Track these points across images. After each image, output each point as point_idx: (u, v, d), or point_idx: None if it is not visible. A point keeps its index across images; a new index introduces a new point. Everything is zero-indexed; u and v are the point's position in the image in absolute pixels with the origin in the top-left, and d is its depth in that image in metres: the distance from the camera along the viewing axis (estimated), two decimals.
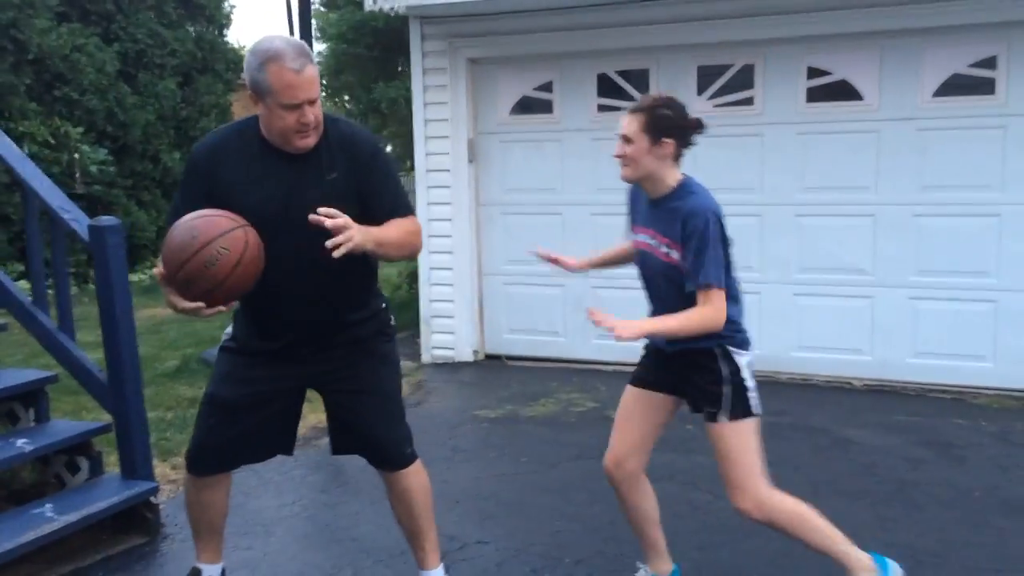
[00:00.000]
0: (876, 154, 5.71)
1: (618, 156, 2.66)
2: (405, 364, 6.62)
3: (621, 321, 2.46)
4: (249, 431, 2.69)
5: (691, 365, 2.69)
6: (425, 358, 6.81)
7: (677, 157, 2.67)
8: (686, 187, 2.67)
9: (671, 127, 2.61)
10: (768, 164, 5.97)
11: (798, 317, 6.00)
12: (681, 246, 2.58)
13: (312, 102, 2.41)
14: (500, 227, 6.70)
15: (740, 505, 2.66)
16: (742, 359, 2.68)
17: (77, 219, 3.45)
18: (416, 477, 2.79)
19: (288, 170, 2.51)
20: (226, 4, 14.14)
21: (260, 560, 3.40)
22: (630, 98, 6.27)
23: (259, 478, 4.25)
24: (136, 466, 3.52)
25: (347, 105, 23.01)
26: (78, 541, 3.42)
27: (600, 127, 6.35)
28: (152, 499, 3.55)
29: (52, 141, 10.50)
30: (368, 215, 2.49)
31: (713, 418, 2.66)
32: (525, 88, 6.56)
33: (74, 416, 4.34)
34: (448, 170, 6.61)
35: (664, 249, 2.65)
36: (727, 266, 2.63)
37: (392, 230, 2.52)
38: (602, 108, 6.36)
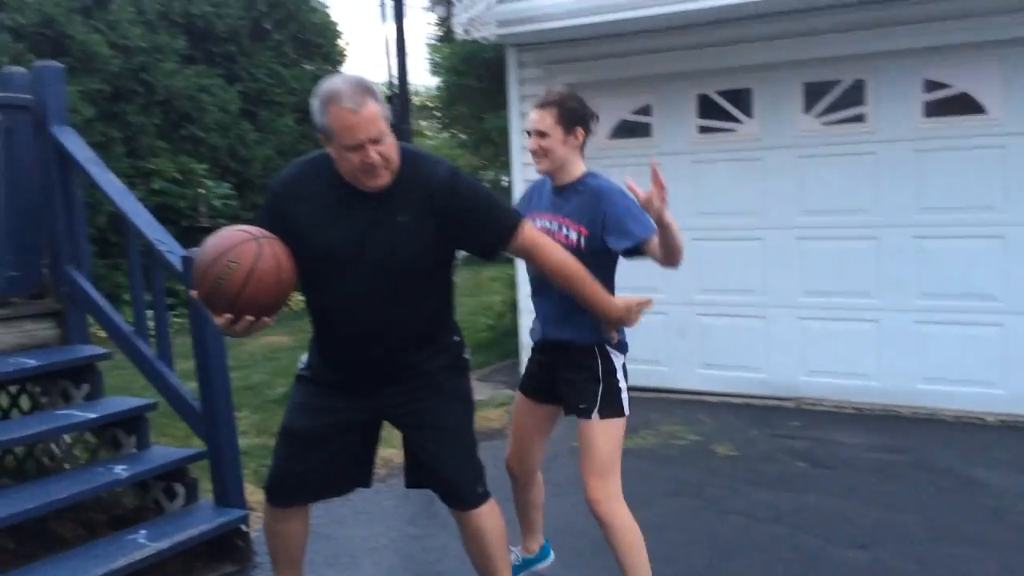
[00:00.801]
0: (1002, 170, 5.31)
1: (533, 150, 2.84)
2: (504, 393, 6.58)
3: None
4: (325, 463, 2.65)
5: (570, 364, 2.82)
6: None
7: (583, 147, 2.91)
8: (592, 174, 2.89)
9: (580, 117, 2.85)
10: (883, 183, 5.64)
11: (920, 346, 5.62)
12: (588, 226, 2.76)
13: (375, 141, 2.33)
14: None
15: (590, 494, 2.81)
16: (618, 360, 2.86)
17: (172, 250, 3.55)
18: (489, 519, 2.69)
19: (361, 209, 2.45)
20: (340, 42, 14.62)
21: None
22: (732, 119, 6.08)
23: (351, 507, 4.25)
24: (228, 493, 3.57)
25: (462, 135, 23.50)
26: (172, 567, 3.48)
27: (702, 149, 6.17)
28: (243, 527, 3.58)
29: (179, 177, 11.04)
30: (477, 248, 2.55)
31: (585, 414, 2.79)
32: (623, 112, 6.45)
33: (174, 442, 4.45)
34: None
35: (565, 231, 2.79)
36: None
37: (570, 270, 2.60)
38: (703, 130, 6.19)
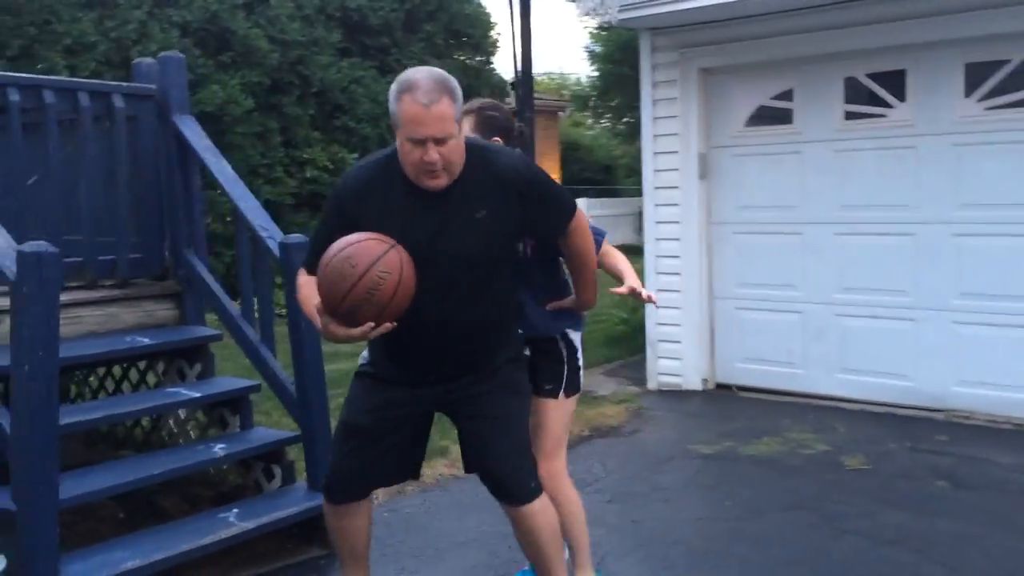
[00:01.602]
0: None
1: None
2: (628, 390, 6.39)
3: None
4: (381, 457, 2.64)
5: (537, 352, 2.89)
6: (651, 384, 6.51)
7: None
8: None
9: (499, 128, 2.90)
10: None
11: None
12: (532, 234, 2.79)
13: (439, 141, 2.27)
14: (733, 247, 6.25)
15: (540, 471, 2.75)
16: (577, 339, 2.97)
17: (272, 237, 3.61)
18: (542, 517, 2.61)
19: (433, 207, 2.41)
20: (492, 34, 14.71)
21: None
22: (883, 103, 5.61)
23: (450, 498, 4.21)
24: (319, 478, 3.58)
25: (619, 126, 23.22)
26: (264, 547, 3.55)
27: (847, 136, 5.73)
28: None
29: (330, 166, 11.43)
30: (549, 230, 2.59)
31: (551, 394, 2.91)
32: (761, 97, 6.08)
33: (275, 424, 4.55)
34: (677, 187, 6.28)
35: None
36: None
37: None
38: (850, 116, 5.74)
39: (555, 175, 22.39)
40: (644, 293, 2.80)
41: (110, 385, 4.48)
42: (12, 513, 2.80)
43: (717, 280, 6.34)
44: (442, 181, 2.36)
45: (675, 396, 6.25)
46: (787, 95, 5.98)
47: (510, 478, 2.57)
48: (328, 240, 2.38)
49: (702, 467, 4.67)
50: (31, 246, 2.70)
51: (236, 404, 3.86)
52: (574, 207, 2.59)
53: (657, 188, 6.40)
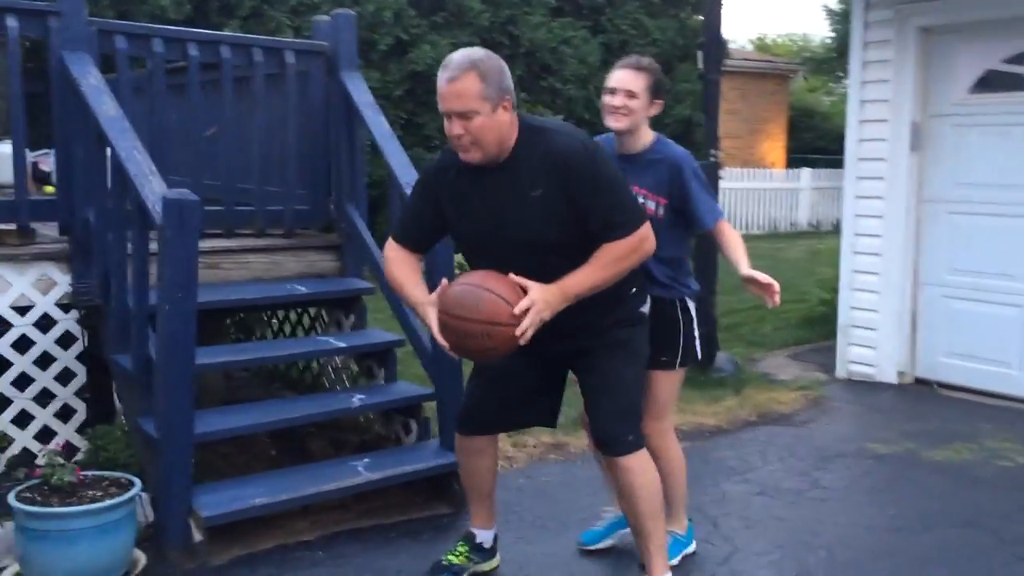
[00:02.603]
0: None
1: (617, 107, 2.84)
2: (812, 376, 5.96)
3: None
4: (508, 399, 2.84)
5: (654, 319, 2.85)
6: (840, 372, 6.02)
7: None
8: (660, 141, 2.94)
9: (663, 91, 2.96)
10: None
11: None
12: (666, 196, 2.87)
13: (461, 115, 2.41)
14: (946, 228, 5.60)
15: (650, 433, 2.89)
16: (693, 309, 3.01)
17: None
18: (642, 475, 2.70)
19: (490, 187, 2.54)
20: None
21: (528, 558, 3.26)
22: None
23: (590, 471, 4.08)
24: (451, 437, 3.59)
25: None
26: (396, 498, 3.61)
27: None
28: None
29: None
30: (592, 226, 2.52)
31: (667, 366, 2.95)
32: (991, 60, 5.36)
33: (421, 380, 4.61)
34: (883, 159, 5.70)
35: (643, 201, 2.83)
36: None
37: (589, 270, 2.50)
38: None
39: (780, 143, 21.26)
40: (765, 281, 2.74)
41: (288, 328, 4.73)
42: (156, 440, 3.02)
43: (924, 264, 5.72)
44: (474, 155, 2.47)
45: (864, 387, 5.74)
46: (1021, 58, 5.23)
47: (606, 430, 2.69)
48: (418, 213, 2.70)
49: (873, 468, 4.25)
50: (174, 193, 2.85)
51: (382, 356, 3.94)
52: (636, 220, 2.53)
53: (861, 160, 5.85)
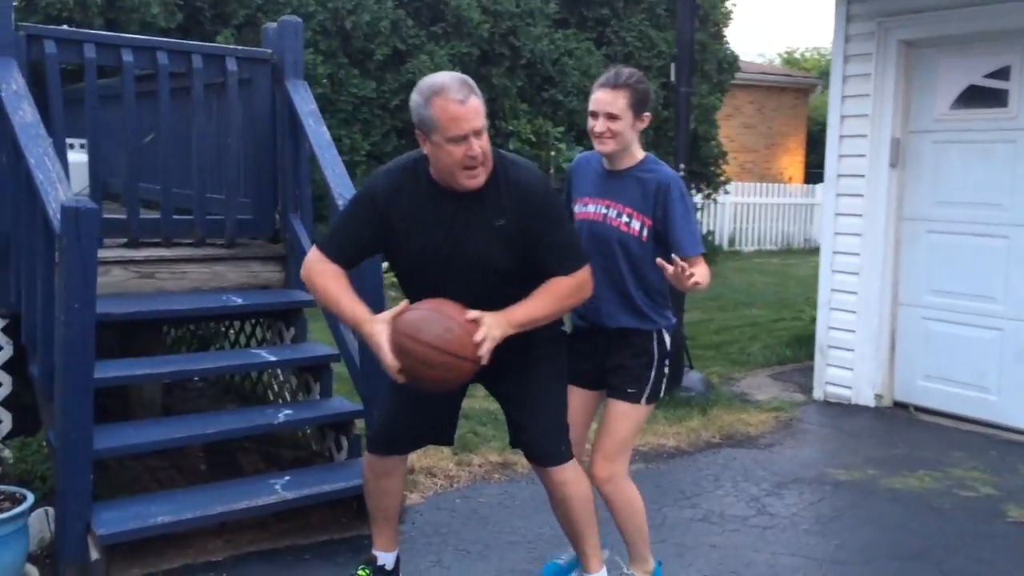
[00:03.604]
0: None
1: (600, 132, 2.70)
2: (790, 397, 5.79)
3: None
4: (425, 418, 2.79)
5: (626, 346, 2.76)
6: (816, 394, 5.85)
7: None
8: (651, 159, 2.79)
9: (648, 103, 2.76)
10: None
11: None
12: (651, 216, 2.71)
13: (478, 133, 2.41)
14: (925, 248, 5.43)
15: (596, 472, 2.76)
16: (668, 343, 2.81)
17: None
18: (577, 485, 2.69)
19: (455, 213, 2.52)
20: (727, 3, 13.91)
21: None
22: None
23: (532, 492, 3.98)
24: None
25: None
26: (318, 517, 3.52)
27: None
28: None
29: (533, 139, 11.36)
30: (535, 265, 2.54)
31: (632, 398, 2.75)
32: (973, 75, 5.19)
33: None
34: (863, 175, 5.55)
35: (624, 219, 2.72)
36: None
37: (536, 303, 2.53)
38: None
39: (799, 157, 20.99)
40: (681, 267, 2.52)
41: (243, 339, 4.65)
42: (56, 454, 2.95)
43: (903, 284, 5.55)
44: (481, 178, 2.46)
45: (840, 410, 5.57)
46: (1003, 73, 5.06)
47: (542, 442, 2.66)
48: (357, 231, 2.59)
49: (829, 495, 4.10)
50: (72, 200, 2.79)
51: (318, 371, 3.85)
52: (578, 264, 2.56)
53: (840, 176, 5.70)
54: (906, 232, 5.51)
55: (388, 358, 2.37)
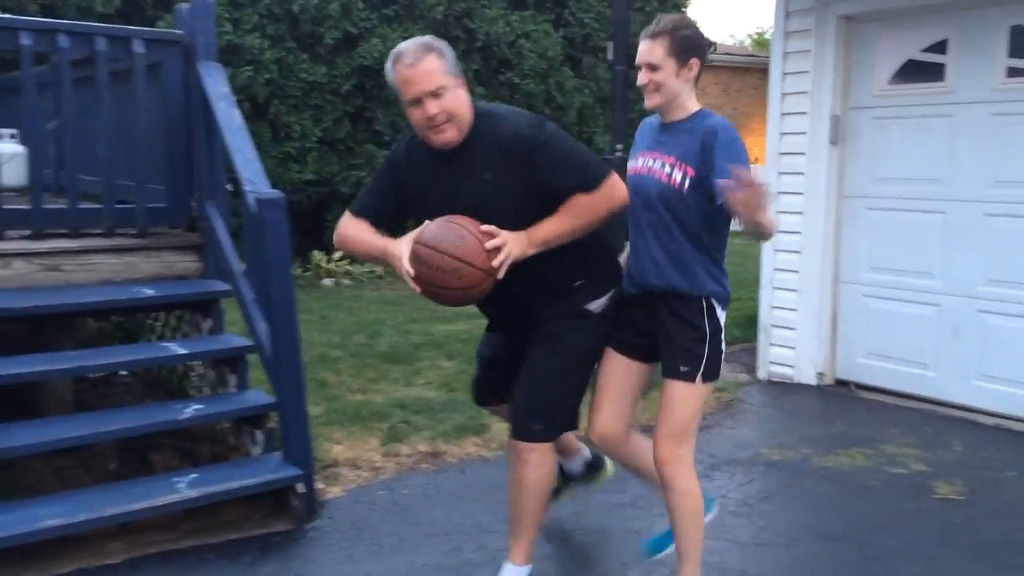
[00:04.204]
0: None
1: (643, 84, 2.58)
2: (736, 378, 5.75)
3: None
4: (501, 375, 2.91)
5: (675, 317, 2.62)
6: (760, 374, 5.82)
7: (697, 80, 2.62)
8: (705, 112, 2.63)
9: (696, 48, 2.58)
10: None
11: None
12: (696, 166, 2.53)
13: (434, 94, 2.46)
14: (864, 225, 5.39)
15: (657, 452, 2.66)
16: (722, 317, 2.66)
17: (256, 192, 3.43)
18: (537, 470, 2.69)
19: (447, 171, 2.61)
20: None
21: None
22: None
23: (460, 481, 3.91)
24: (291, 450, 3.41)
25: None
26: (231, 515, 3.42)
27: (1009, 98, 4.72)
28: (300, 486, 3.40)
29: None
30: (557, 201, 2.55)
31: (686, 377, 2.60)
32: (911, 50, 5.14)
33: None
34: (803, 153, 5.49)
35: (667, 169, 2.59)
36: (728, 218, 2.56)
37: (558, 219, 2.55)
38: (1013, 72, 4.71)
39: (764, 138, 20.95)
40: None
41: (168, 332, 4.52)
42: None
43: (844, 262, 5.51)
44: (450, 135, 2.52)
45: (782, 389, 5.53)
46: (940, 47, 5.01)
47: (518, 415, 2.69)
48: (378, 189, 2.75)
49: (761, 476, 4.05)
50: None
51: (234, 363, 3.75)
52: (598, 176, 2.55)
53: (782, 154, 5.64)
54: (846, 210, 5.47)
55: (405, 265, 2.45)
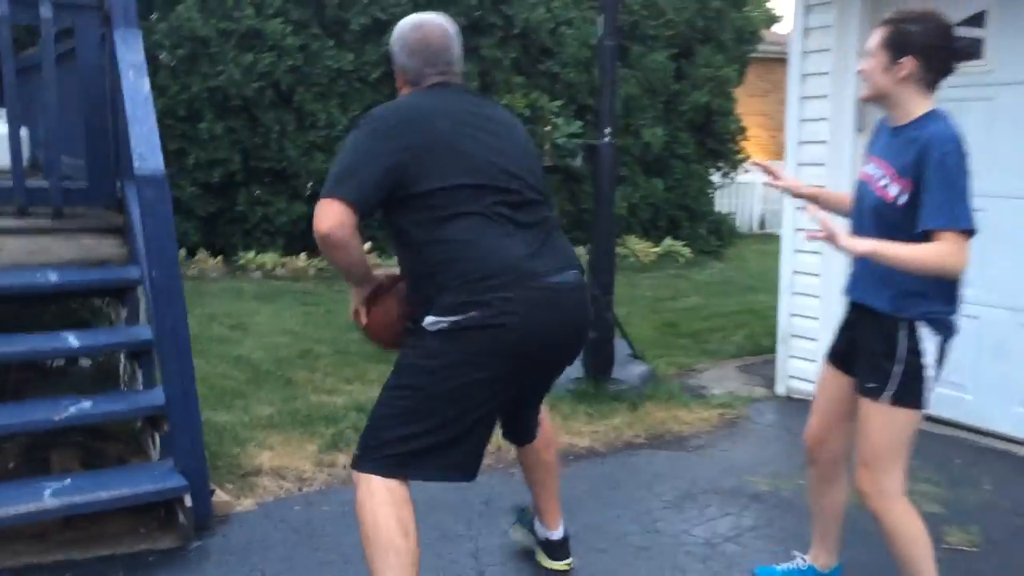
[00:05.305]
0: None
1: (859, 71, 2.44)
2: (749, 391, 5.19)
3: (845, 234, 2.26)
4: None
5: (871, 329, 2.42)
6: (779, 388, 5.23)
7: (927, 83, 2.33)
8: (930, 116, 2.33)
9: (914, 46, 2.29)
10: None
11: None
12: (910, 180, 2.29)
13: None
14: None
15: (861, 486, 2.44)
16: (930, 342, 2.35)
17: (144, 166, 3.05)
18: (362, 504, 2.30)
19: None
20: None
21: None
22: None
23: None
24: (179, 457, 3.03)
25: None
26: (115, 527, 3.06)
27: None
28: (187, 499, 3.01)
29: (527, 114, 10.76)
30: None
31: (870, 394, 2.38)
32: None
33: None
34: (825, 142, 4.88)
35: (883, 182, 2.37)
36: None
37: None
38: None
39: None
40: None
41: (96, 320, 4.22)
42: None
43: None
44: None
45: (798, 407, 4.92)
46: (978, 19, 4.36)
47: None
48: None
49: (736, 512, 3.50)
50: None
51: (142, 357, 3.39)
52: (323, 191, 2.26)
53: (801, 143, 5.04)
54: None
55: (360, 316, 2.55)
